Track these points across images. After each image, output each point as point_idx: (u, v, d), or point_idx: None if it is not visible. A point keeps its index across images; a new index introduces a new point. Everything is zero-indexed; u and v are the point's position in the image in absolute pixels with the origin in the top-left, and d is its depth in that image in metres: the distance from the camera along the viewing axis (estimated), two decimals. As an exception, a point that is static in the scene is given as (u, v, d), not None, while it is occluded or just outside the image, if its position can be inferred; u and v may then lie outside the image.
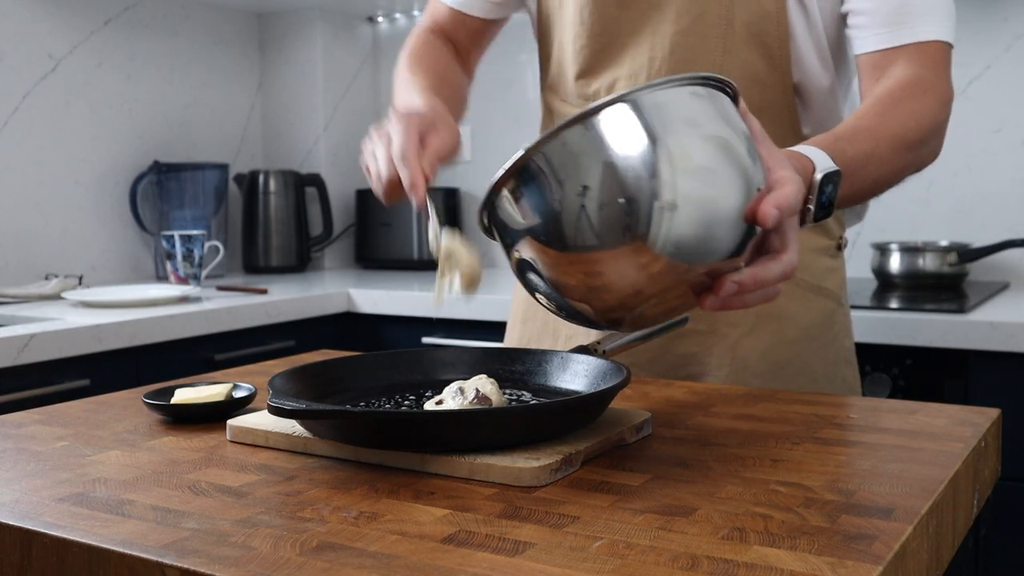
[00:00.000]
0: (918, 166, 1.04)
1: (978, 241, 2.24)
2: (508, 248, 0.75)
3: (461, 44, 1.31)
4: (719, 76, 0.73)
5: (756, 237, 0.72)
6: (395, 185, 0.94)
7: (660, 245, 0.68)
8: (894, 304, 1.88)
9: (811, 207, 0.84)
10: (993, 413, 0.97)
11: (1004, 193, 2.27)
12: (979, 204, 2.29)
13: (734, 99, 0.74)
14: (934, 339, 1.74)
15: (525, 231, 0.71)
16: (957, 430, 0.91)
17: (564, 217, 0.68)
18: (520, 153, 0.69)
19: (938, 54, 1.05)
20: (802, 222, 0.84)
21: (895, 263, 2.10)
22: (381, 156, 0.94)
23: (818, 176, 0.85)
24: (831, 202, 0.86)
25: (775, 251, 0.75)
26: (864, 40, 1.07)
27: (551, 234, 0.69)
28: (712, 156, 0.68)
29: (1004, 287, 2.17)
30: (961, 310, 1.77)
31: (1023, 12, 2.19)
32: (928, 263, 2.07)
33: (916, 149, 1.01)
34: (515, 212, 0.71)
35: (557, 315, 0.79)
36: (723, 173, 0.68)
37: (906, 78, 1.03)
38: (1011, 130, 2.25)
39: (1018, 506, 1.69)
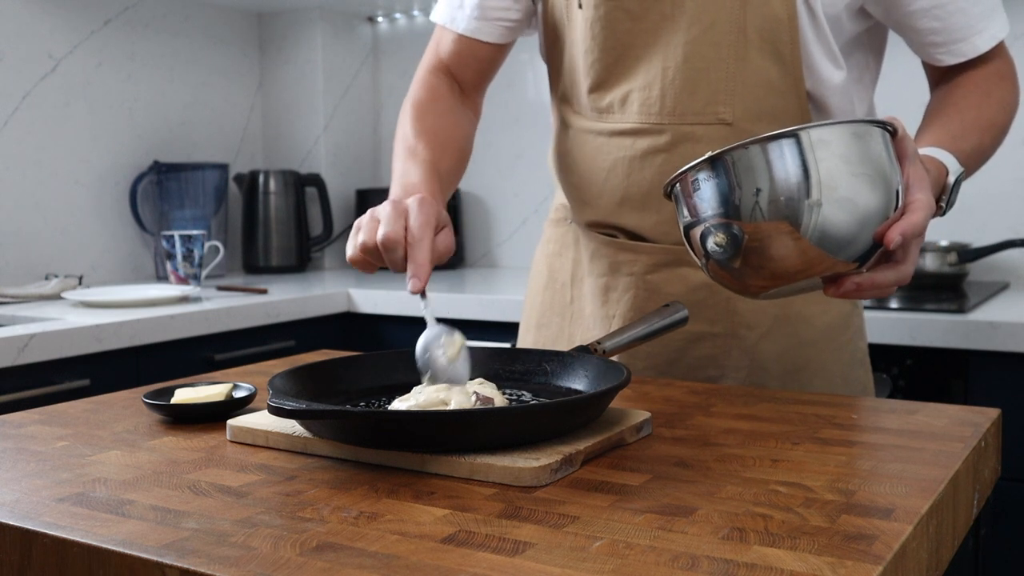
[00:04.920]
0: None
1: (978, 241, 2.24)
2: (686, 216, 0.90)
3: (467, 80, 1.28)
4: (881, 119, 0.87)
5: (882, 250, 0.87)
6: (378, 255, 0.94)
7: (809, 242, 0.84)
8: (894, 304, 1.88)
9: (943, 205, 1.01)
10: (993, 413, 0.97)
11: (1004, 193, 2.27)
12: (979, 204, 2.28)
13: (893, 134, 0.88)
14: (934, 339, 1.74)
15: (708, 204, 0.86)
16: (957, 430, 0.91)
17: (742, 204, 0.84)
18: (714, 152, 0.85)
19: (1002, 44, 1.15)
20: (932, 216, 0.97)
21: (895, 263, 2.10)
22: (388, 224, 0.93)
23: (951, 179, 1.01)
24: (956, 195, 1.03)
25: (896, 261, 0.89)
26: (937, 58, 1.15)
27: (729, 213, 0.85)
28: (855, 188, 0.83)
29: (1004, 287, 2.17)
30: (961, 310, 1.77)
31: (1023, 12, 2.19)
32: (928, 263, 2.07)
33: (1005, 132, 1.15)
34: (703, 190, 0.86)
35: (714, 276, 0.91)
36: (861, 203, 0.83)
37: (986, 69, 1.14)
38: (1011, 130, 2.25)
39: (1018, 506, 1.69)
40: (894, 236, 0.84)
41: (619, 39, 1.14)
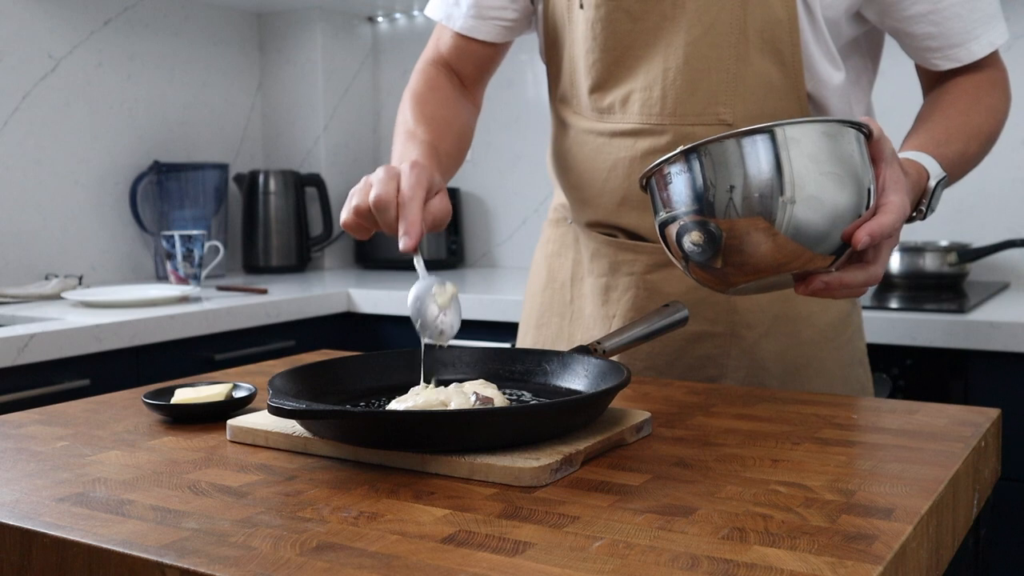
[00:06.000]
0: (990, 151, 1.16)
1: (978, 241, 2.24)
2: (661, 211, 0.90)
3: (467, 75, 1.29)
4: (856, 120, 0.87)
5: (851, 249, 0.87)
6: (372, 218, 0.95)
7: (783, 238, 0.84)
8: (894, 304, 1.88)
9: (923, 208, 1.00)
10: (993, 413, 0.97)
11: (1004, 193, 2.27)
12: (979, 204, 2.29)
13: (868, 136, 0.88)
14: (934, 339, 1.74)
15: (682, 198, 0.87)
16: (957, 430, 0.91)
17: (716, 198, 0.85)
18: (690, 145, 0.86)
19: (993, 52, 1.14)
20: (912, 220, 0.99)
21: (895, 263, 2.10)
22: (380, 185, 0.94)
23: (932, 183, 1.00)
24: (937, 200, 1.02)
25: (866, 262, 0.89)
26: (933, 63, 1.15)
27: (703, 208, 0.86)
28: (822, 187, 0.84)
29: (1004, 287, 2.17)
30: (961, 310, 1.77)
31: (1023, 12, 2.19)
32: (928, 263, 2.07)
33: (994, 140, 1.14)
34: (676, 183, 0.87)
35: (691, 272, 0.92)
36: (828, 201, 0.84)
37: (978, 76, 1.14)
38: (1011, 130, 2.24)
39: (1018, 506, 1.69)
40: (862, 236, 0.85)
41: (620, 40, 1.14)
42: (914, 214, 1.00)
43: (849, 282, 0.89)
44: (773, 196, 0.83)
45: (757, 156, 0.83)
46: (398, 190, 0.94)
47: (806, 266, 0.87)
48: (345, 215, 0.97)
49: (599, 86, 1.17)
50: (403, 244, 0.92)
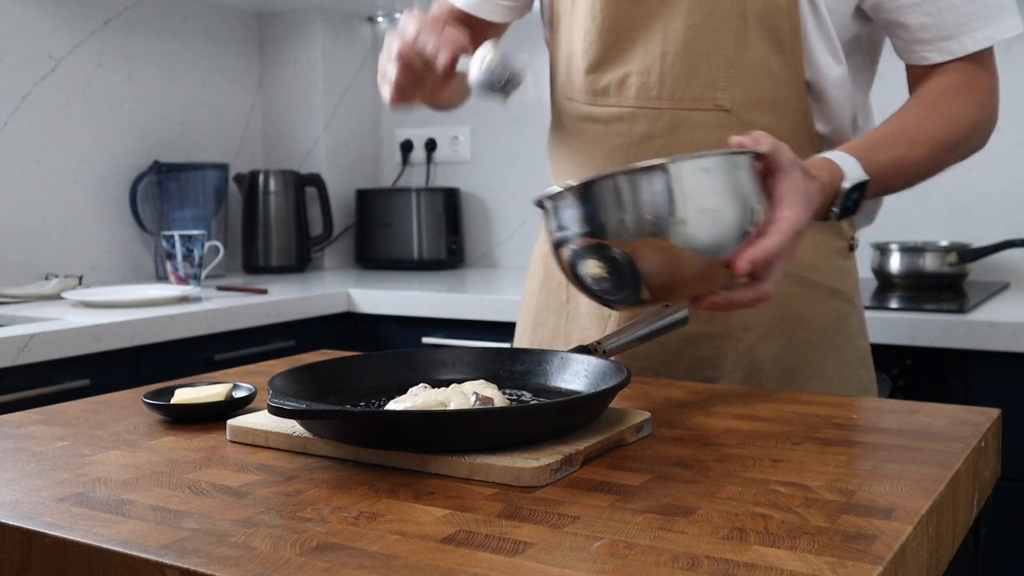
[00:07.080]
0: (959, 159, 1.14)
1: (978, 241, 2.24)
2: (555, 233, 0.92)
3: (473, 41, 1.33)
4: (742, 147, 0.89)
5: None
6: (415, 58, 1.02)
7: (679, 263, 0.87)
8: (894, 304, 1.88)
9: (835, 210, 1.00)
10: (993, 413, 0.97)
11: (1004, 193, 2.27)
12: (979, 204, 2.29)
13: (759, 156, 0.90)
14: (934, 339, 1.74)
15: (579, 224, 0.89)
16: (957, 430, 0.91)
17: (609, 224, 0.87)
18: (584, 179, 0.88)
19: (984, 53, 1.12)
20: (825, 219, 1.00)
21: (895, 263, 2.10)
22: (410, 31, 1.01)
23: (845, 185, 1.00)
24: (856, 205, 1.01)
25: (757, 280, 0.90)
26: (924, 55, 1.13)
27: (597, 232, 0.88)
28: (698, 223, 0.86)
29: (1004, 287, 2.17)
30: (961, 310, 1.77)
31: (1023, 12, 2.19)
32: (928, 263, 2.07)
33: (954, 149, 1.11)
34: (573, 211, 0.89)
35: (584, 291, 0.93)
36: (705, 236, 0.86)
37: (950, 80, 1.12)
38: (1010, 130, 2.25)
39: (1018, 506, 1.69)
40: (742, 265, 0.87)
41: (619, 20, 1.14)
42: (828, 215, 1.01)
43: (737, 301, 0.91)
44: (663, 230, 0.85)
45: (651, 190, 0.85)
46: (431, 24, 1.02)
47: (699, 292, 0.90)
48: (391, 71, 1.05)
49: (595, 67, 1.17)
50: (439, 59, 0.99)
